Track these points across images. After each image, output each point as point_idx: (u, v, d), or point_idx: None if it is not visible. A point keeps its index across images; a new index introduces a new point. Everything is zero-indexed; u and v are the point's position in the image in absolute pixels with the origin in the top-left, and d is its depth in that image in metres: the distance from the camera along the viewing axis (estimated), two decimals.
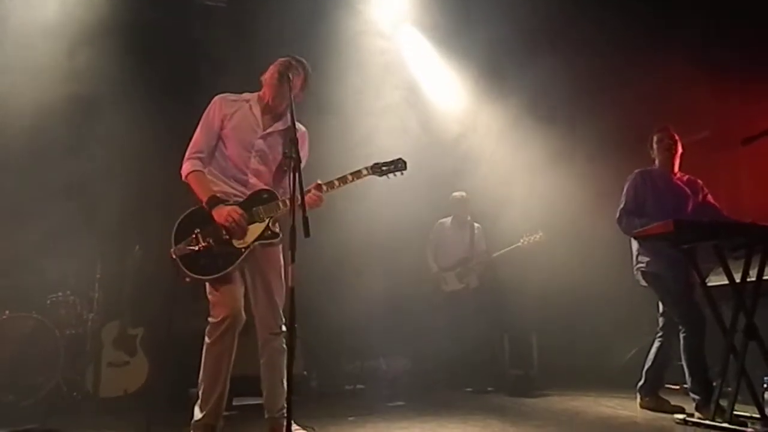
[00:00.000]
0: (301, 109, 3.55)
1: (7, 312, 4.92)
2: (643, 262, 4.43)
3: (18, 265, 5.25)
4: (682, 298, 4.26)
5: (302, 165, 3.14)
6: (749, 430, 3.57)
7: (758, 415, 3.66)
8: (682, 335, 4.21)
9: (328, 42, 6.02)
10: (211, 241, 3.35)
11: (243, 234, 3.39)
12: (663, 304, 4.47)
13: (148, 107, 5.47)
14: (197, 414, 3.38)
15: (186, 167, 3.51)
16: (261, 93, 3.63)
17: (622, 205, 4.46)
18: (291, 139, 3.20)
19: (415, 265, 6.62)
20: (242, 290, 3.47)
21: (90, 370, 5.04)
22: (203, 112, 3.61)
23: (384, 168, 3.65)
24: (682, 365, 4.22)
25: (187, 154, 3.55)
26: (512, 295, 6.43)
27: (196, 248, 3.32)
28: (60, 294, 5.33)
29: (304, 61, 3.65)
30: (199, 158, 3.53)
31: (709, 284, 4.06)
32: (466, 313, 6.22)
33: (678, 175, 4.56)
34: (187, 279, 3.34)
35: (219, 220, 3.36)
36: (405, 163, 3.69)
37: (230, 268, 3.36)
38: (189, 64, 5.82)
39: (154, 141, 5.46)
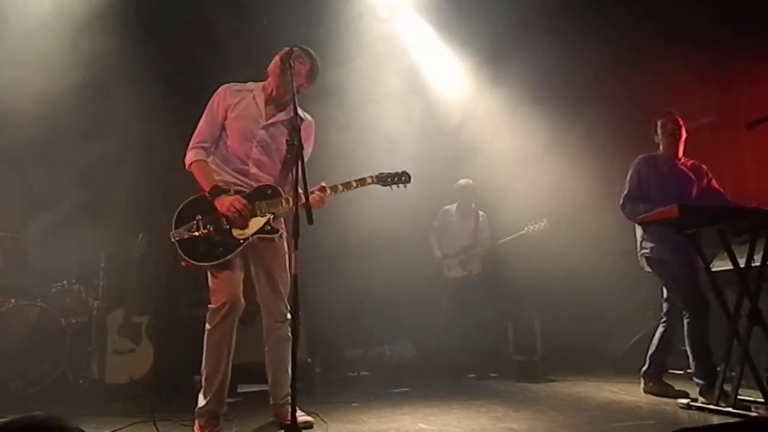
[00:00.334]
0: (304, 95, 3.54)
1: (12, 300, 4.94)
2: (647, 248, 4.42)
3: (24, 254, 5.27)
4: (686, 283, 4.25)
5: (307, 156, 3.14)
6: (753, 414, 3.57)
7: (762, 400, 3.65)
8: (686, 320, 4.20)
9: (330, 27, 5.98)
10: (211, 228, 3.36)
11: (244, 225, 3.41)
12: (667, 289, 4.46)
13: (151, 96, 5.45)
14: (201, 401, 3.41)
15: (189, 156, 3.52)
16: (266, 83, 3.62)
17: (626, 191, 4.44)
18: (294, 127, 3.20)
19: (419, 252, 6.62)
20: (241, 277, 3.49)
21: (95, 357, 5.08)
22: (207, 101, 3.61)
23: (389, 179, 3.72)
24: (685, 350, 4.21)
25: (191, 143, 3.56)
26: (516, 282, 6.43)
27: (197, 234, 3.34)
28: (65, 282, 5.37)
29: (310, 50, 3.63)
30: (203, 147, 3.54)
31: (714, 269, 4.05)
32: (470, 299, 6.23)
33: (682, 160, 4.53)
34: (183, 263, 3.36)
35: (221, 209, 3.37)
36: (409, 176, 3.77)
37: (228, 257, 3.38)
38: (192, 50, 5.79)
39: (158, 130, 5.45)
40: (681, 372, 4.95)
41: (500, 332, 6.10)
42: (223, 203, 3.37)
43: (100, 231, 5.38)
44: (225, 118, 3.56)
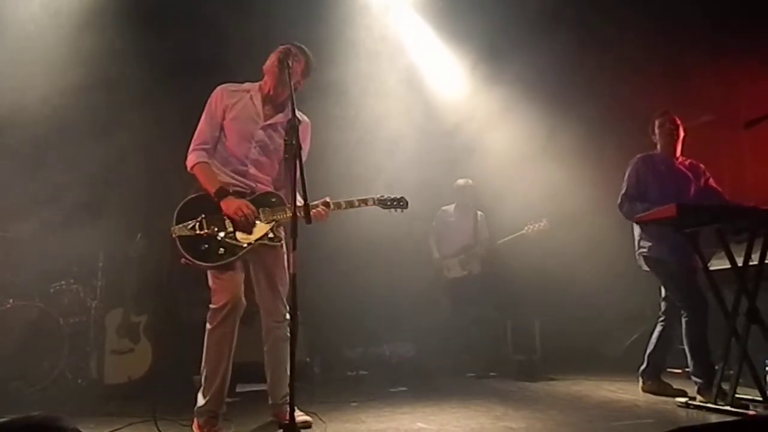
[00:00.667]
0: (301, 94, 3.54)
1: (11, 301, 4.93)
2: (645, 247, 4.42)
3: (21, 254, 5.26)
4: (684, 282, 4.26)
5: (305, 156, 3.13)
6: (751, 412, 3.57)
7: (760, 398, 3.66)
8: (684, 319, 4.21)
9: (329, 26, 5.97)
10: (215, 229, 3.36)
11: (249, 230, 3.40)
12: (665, 288, 4.47)
13: (151, 96, 5.44)
14: (200, 400, 3.41)
15: (191, 158, 3.51)
16: (262, 83, 3.62)
17: (623, 191, 4.44)
18: (292, 126, 3.20)
19: (418, 252, 6.62)
20: (243, 277, 3.49)
21: (94, 357, 5.08)
22: (205, 102, 3.60)
23: (388, 202, 3.82)
24: (684, 349, 4.22)
25: (192, 145, 3.55)
26: (515, 281, 6.43)
27: (199, 232, 3.33)
28: (63, 282, 5.36)
29: (305, 47, 3.63)
30: (204, 149, 3.53)
31: (712, 268, 4.05)
32: (469, 299, 6.24)
33: (680, 159, 4.54)
34: (183, 260, 3.35)
35: (228, 212, 3.37)
36: (407, 202, 3.85)
37: (230, 260, 3.37)
38: (192, 50, 5.77)
39: (157, 130, 5.45)
40: (679, 371, 4.96)
41: (499, 331, 6.10)
42: (230, 206, 3.37)
43: (99, 230, 5.36)
44: (223, 119, 3.55)
